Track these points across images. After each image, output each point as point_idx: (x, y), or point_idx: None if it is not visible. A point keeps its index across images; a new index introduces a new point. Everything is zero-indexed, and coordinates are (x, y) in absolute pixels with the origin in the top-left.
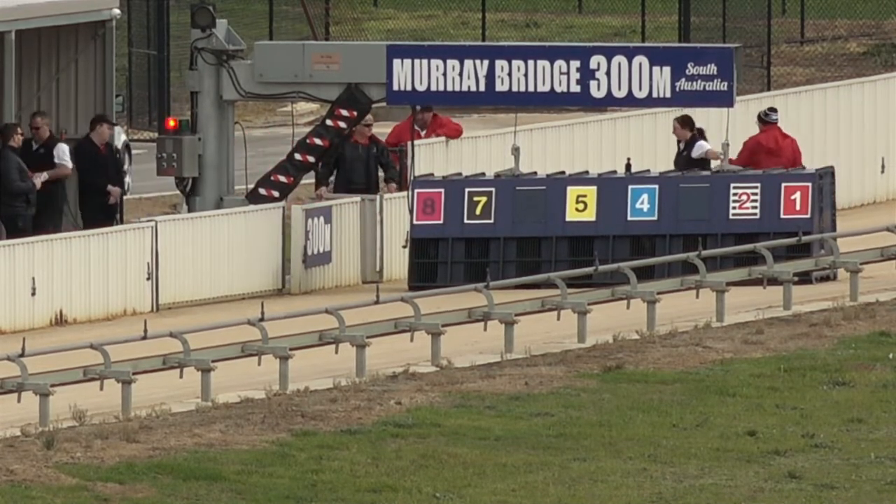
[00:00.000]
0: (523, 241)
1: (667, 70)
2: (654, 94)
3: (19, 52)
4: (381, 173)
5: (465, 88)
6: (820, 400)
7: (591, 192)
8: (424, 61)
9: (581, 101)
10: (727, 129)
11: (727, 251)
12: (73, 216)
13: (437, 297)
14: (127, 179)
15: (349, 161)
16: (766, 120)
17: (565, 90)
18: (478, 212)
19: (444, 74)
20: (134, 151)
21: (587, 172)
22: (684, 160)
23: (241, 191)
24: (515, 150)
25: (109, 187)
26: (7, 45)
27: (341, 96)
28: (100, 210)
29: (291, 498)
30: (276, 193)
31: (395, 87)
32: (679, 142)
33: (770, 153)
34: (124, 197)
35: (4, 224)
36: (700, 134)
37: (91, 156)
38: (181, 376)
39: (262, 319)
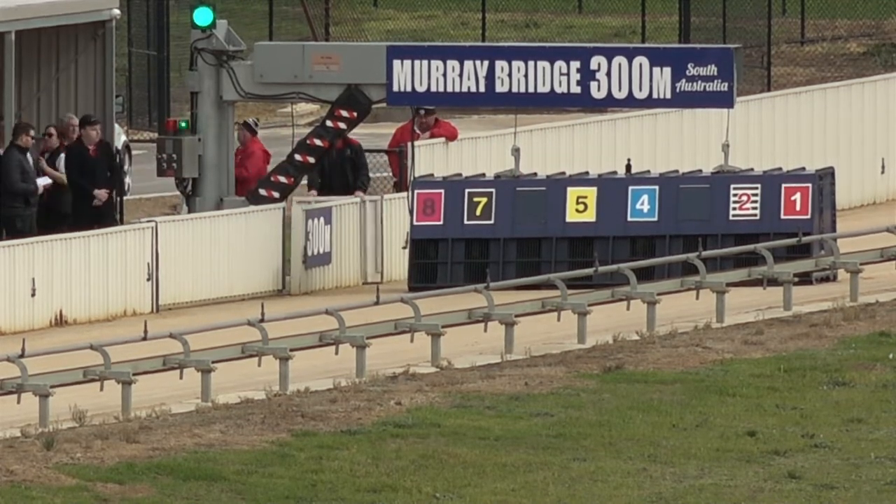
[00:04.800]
0: (523, 241)
1: (667, 71)
2: (655, 95)
3: (19, 52)
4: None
5: (465, 89)
6: (820, 400)
7: (591, 192)
8: (424, 62)
9: (581, 102)
10: (727, 130)
11: (727, 252)
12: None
13: (437, 298)
14: (127, 180)
15: (327, 167)
16: (256, 129)
17: (565, 91)
18: (478, 212)
19: (444, 75)
20: (134, 152)
21: (587, 173)
22: None
23: None
24: (515, 151)
25: (95, 191)
26: (7, 45)
27: (341, 97)
28: (90, 215)
29: (291, 498)
30: (276, 194)
31: (395, 88)
32: None
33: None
34: (124, 197)
35: (4, 225)
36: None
37: (80, 159)
38: (181, 377)
39: (262, 320)
